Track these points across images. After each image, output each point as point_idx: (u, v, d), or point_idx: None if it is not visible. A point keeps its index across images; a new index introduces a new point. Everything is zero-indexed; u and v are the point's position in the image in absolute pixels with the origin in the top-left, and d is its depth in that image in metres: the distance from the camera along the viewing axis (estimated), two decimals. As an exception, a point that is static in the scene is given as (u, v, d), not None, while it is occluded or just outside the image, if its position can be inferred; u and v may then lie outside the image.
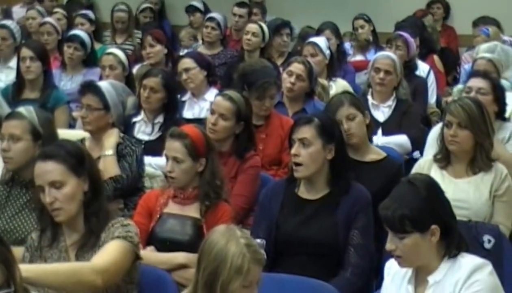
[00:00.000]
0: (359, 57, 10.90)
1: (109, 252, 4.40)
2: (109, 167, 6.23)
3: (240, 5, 12.51)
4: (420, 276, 4.33)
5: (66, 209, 4.50)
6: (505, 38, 11.40)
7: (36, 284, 4.13)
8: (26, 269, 3.94)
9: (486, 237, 5.24)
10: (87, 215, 4.58)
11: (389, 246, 4.23)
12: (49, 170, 4.47)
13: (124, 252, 4.46)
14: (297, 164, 5.38)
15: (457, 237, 4.30)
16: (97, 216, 4.59)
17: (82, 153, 4.74)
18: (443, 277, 4.23)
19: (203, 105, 7.57)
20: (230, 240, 4.04)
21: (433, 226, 4.19)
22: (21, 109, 5.93)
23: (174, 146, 5.50)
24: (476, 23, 12.03)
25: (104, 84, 6.96)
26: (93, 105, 6.62)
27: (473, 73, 7.67)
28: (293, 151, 5.40)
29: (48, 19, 11.01)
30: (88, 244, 4.58)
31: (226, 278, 3.99)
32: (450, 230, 4.28)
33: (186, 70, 8.19)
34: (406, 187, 4.39)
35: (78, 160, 4.59)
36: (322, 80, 8.63)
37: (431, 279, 4.25)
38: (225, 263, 3.98)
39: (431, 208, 4.25)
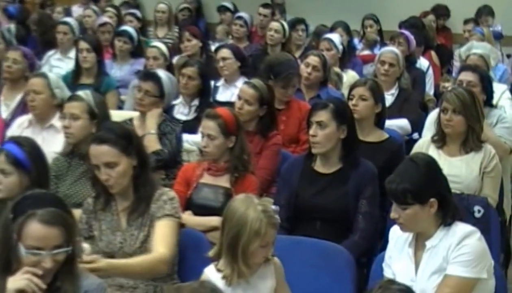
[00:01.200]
0: (366, 52, 10.85)
1: (168, 237, 4.56)
2: (152, 143, 6.23)
3: (264, 6, 12.48)
4: (419, 241, 4.33)
5: (119, 183, 4.55)
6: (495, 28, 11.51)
7: (116, 275, 4.40)
8: (112, 266, 4.21)
9: (476, 207, 5.24)
10: (136, 185, 4.63)
11: (393, 214, 4.26)
12: (103, 152, 4.51)
13: (176, 230, 4.66)
14: (314, 143, 5.40)
15: (452, 208, 4.31)
16: (145, 186, 4.64)
17: (130, 134, 4.80)
18: (438, 242, 4.24)
19: (234, 91, 7.50)
20: (249, 207, 4.12)
21: (432, 199, 4.20)
22: (80, 92, 6.02)
23: (208, 125, 5.52)
24: (467, 21, 12.13)
25: (164, 76, 7.01)
26: (151, 92, 6.72)
27: (463, 68, 7.63)
28: (311, 132, 5.41)
29: (107, 20, 11.05)
30: (138, 210, 4.63)
31: (246, 240, 4.07)
32: (446, 202, 4.29)
33: (224, 59, 8.20)
34: (408, 164, 4.39)
35: (128, 141, 4.64)
36: (338, 70, 8.66)
37: (428, 243, 4.27)
38: (245, 227, 4.06)
39: (430, 183, 4.25)
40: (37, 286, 3.50)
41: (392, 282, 3.48)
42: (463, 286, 4.14)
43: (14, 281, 3.53)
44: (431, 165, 4.43)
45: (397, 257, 4.41)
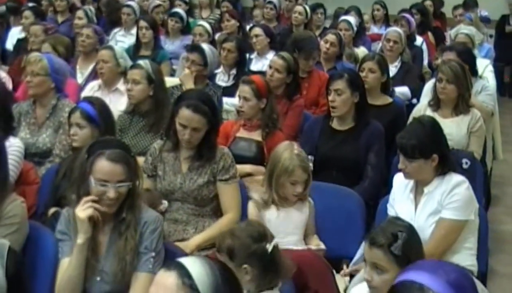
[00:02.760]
0: (375, 31, 10.77)
1: (236, 198, 4.64)
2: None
3: (290, -8, 12.42)
4: (418, 187, 4.32)
5: (194, 143, 4.53)
6: (482, 13, 11.44)
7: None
8: (201, 242, 4.40)
9: (464, 160, 5.22)
10: (202, 144, 4.57)
11: (400, 165, 4.25)
12: (195, 120, 4.47)
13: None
14: (333, 107, 5.37)
15: (449, 162, 4.29)
16: (209, 147, 4.61)
17: (216, 108, 4.80)
18: (434, 188, 4.23)
19: (265, 62, 7.51)
20: (286, 150, 4.43)
21: (434, 155, 4.19)
22: (140, 62, 6.00)
23: (244, 89, 5.50)
24: (456, 8, 12.02)
25: (207, 49, 6.99)
26: (196, 61, 6.71)
27: (442, 49, 7.76)
28: (330, 98, 5.39)
29: (160, 2, 11.15)
30: (199, 161, 4.59)
31: (278, 173, 4.38)
32: (445, 157, 4.26)
33: (256, 36, 8.21)
34: (416, 124, 4.43)
35: (213, 113, 4.62)
36: (351, 50, 8.56)
37: (426, 189, 4.26)
38: (279, 163, 4.37)
39: (434, 141, 4.27)
40: (99, 212, 3.58)
41: (397, 218, 3.49)
42: (455, 227, 4.17)
43: (82, 211, 3.56)
44: (435, 126, 4.43)
45: (399, 200, 4.40)
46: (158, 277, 2.30)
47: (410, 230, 3.24)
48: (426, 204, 4.25)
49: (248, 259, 3.31)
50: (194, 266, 2.28)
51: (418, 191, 4.32)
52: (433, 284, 2.19)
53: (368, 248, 3.18)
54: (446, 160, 4.28)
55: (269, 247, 3.38)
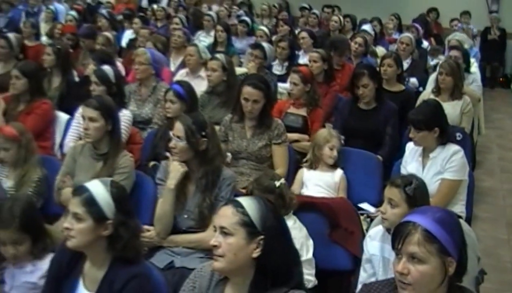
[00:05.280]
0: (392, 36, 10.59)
1: (285, 157, 4.55)
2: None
3: (327, 6, 12.27)
4: (425, 152, 4.23)
5: (255, 113, 4.51)
6: (471, 26, 11.21)
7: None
8: None
9: (457, 134, 5.07)
10: (262, 114, 4.53)
11: (411, 135, 4.21)
12: (254, 94, 4.46)
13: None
14: (363, 97, 5.25)
15: (447, 134, 4.21)
16: (267, 116, 4.56)
17: (268, 83, 4.71)
18: (437, 154, 4.15)
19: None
20: (326, 130, 4.65)
21: (436, 128, 4.11)
22: (217, 55, 5.91)
23: (294, 76, 5.37)
24: (452, 20, 11.83)
25: (266, 46, 7.01)
26: (258, 55, 6.71)
27: (451, 47, 7.55)
28: (360, 92, 5.23)
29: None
30: (260, 129, 4.53)
31: (319, 144, 4.41)
32: (445, 130, 4.18)
33: (303, 38, 8.03)
34: (423, 104, 4.47)
35: (267, 88, 4.56)
36: (374, 48, 8.36)
37: (431, 155, 4.18)
38: (321, 137, 4.50)
39: (435, 117, 4.19)
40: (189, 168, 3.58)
41: (411, 174, 3.38)
42: (454, 185, 4.13)
43: (180, 166, 3.53)
44: (438, 106, 4.37)
45: (410, 162, 4.31)
46: (221, 210, 2.41)
47: (421, 182, 3.19)
48: (431, 166, 4.16)
49: (264, 193, 3.33)
50: (245, 200, 2.39)
51: (424, 155, 4.24)
52: (422, 221, 2.20)
53: (389, 187, 3.14)
54: (446, 133, 4.20)
55: (277, 183, 3.45)
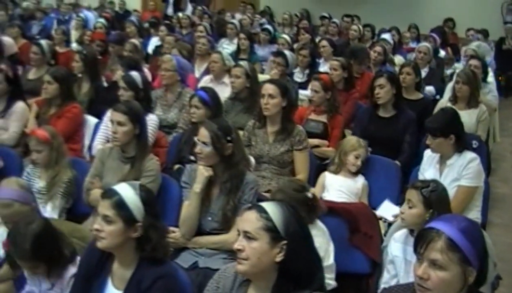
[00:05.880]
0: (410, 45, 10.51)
1: (306, 163, 4.50)
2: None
3: (347, 16, 12.19)
4: (442, 160, 4.18)
5: (274, 110, 4.49)
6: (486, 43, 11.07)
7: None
8: None
9: (473, 142, 5.02)
10: (283, 117, 4.52)
11: (428, 142, 4.18)
12: (270, 88, 4.47)
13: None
14: (378, 97, 5.19)
15: (463, 141, 4.16)
16: (289, 120, 4.54)
17: (287, 87, 4.67)
18: (454, 161, 4.11)
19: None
20: (354, 138, 4.66)
21: (452, 135, 4.06)
22: (241, 62, 5.92)
23: (315, 84, 5.33)
24: (468, 30, 11.75)
25: (288, 54, 6.99)
26: (280, 63, 6.72)
27: (471, 57, 7.38)
28: (376, 92, 5.18)
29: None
30: (282, 134, 4.51)
31: (346, 150, 4.49)
32: (461, 137, 4.15)
33: (323, 46, 7.99)
34: (441, 112, 4.41)
35: (285, 90, 4.53)
36: (392, 57, 8.31)
37: (448, 162, 4.13)
38: (348, 144, 4.53)
39: (451, 124, 4.14)
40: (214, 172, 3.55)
41: (433, 179, 3.43)
42: (471, 192, 4.08)
43: (206, 171, 3.52)
44: (454, 114, 4.31)
45: (427, 169, 4.27)
46: (244, 214, 2.36)
47: (441, 186, 3.23)
48: (448, 173, 4.11)
49: (296, 204, 3.20)
50: (269, 205, 2.35)
51: (442, 162, 4.19)
52: (447, 229, 2.18)
53: (409, 189, 3.23)
54: (462, 140, 4.15)
55: (309, 194, 3.37)
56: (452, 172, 4.10)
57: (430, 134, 4.13)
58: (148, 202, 2.66)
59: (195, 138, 3.61)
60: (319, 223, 3.46)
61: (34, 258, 2.81)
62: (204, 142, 3.52)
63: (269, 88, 4.46)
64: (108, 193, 2.67)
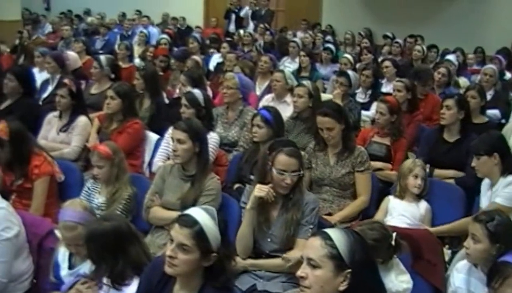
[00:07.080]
0: (474, 67, 10.25)
1: (368, 186, 4.45)
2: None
3: (410, 36, 11.78)
4: (491, 186, 4.14)
5: (334, 138, 4.46)
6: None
7: None
8: (339, 218, 4.26)
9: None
10: (344, 139, 4.47)
11: (473, 164, 4.18)
12: (325, 122, 4.43)
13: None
14: (442, 118, 5.11)
15: (510, 165, 4.08)
16: (349, 140, 4.50)
17: (341, 109, 4.66)
18: (498, 187, 4.07)
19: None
20: (410, 159, 4.57)
21: (495, 153, 4.02)
22: (304, 81, 5.87)
23: (381, 106, 5.24)
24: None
25: (351, 73, 6.94)
26: (343, 83, 6.66)
27: None
28: (442, 111, 5.11)
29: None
30: (343, 156, 4.46)
31: (403, 174, 4.38)
32: (505, 159, 4.08)
33: (386, 67, 7.89)
34: (486, 133, 4.34)
35: (339, 114, 4.47)
36: (457, 79, 8.13)
37: (493, 188, 4.11)
38: (404, 168, 4.41)
39: (495, 143, 4.13)
40: (270, 195, 3.48)
41: (496, 210, 3.32)
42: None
43: (257, 191, 3.50)
44: (500, 136, 4.36)
45: (483, 197, 4.20)
46: (309, 241, 2.37)
47: (506, 218, 3.09)
48: (493, 197, 4.05)
49: (378, 253, 3.04)
50: (334, 232, 2.33)
51: (492, 189, 4.12)
52: None
53: (472, 222, 3.09)
54: (507, 162, 4.06)
55: (392, 241, 3.16)
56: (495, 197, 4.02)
57: (474, 155, 4.11)
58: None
59: (275, 169, 3.52)
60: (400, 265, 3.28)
61: (98, 252, 2.83)
62: (293, 171, 3.51)
63: (325, 122, 4.43)
64: (188, 221, 2.57)
